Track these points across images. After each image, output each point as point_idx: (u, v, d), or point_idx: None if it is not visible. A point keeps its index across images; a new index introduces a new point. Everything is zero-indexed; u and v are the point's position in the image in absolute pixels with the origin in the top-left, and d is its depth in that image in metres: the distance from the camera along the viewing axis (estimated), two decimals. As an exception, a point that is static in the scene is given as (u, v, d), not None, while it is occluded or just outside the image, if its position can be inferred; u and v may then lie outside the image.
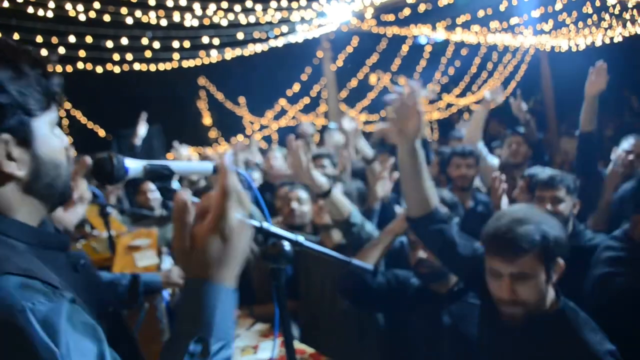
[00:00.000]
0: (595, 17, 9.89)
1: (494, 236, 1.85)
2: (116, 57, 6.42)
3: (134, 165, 1.26)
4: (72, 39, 5.91)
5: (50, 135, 1.09)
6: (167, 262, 3.24)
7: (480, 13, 9.27)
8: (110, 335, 1.13)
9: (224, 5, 6.26)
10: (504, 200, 2.81)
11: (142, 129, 5.36)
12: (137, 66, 6.83)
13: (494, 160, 4.31)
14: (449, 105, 14.23)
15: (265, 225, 1.44)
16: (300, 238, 1.46)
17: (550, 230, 1.81)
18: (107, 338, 1.08)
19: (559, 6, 8.88)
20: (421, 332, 2.45)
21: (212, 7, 6.17)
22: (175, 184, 1.44)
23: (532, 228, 1.79)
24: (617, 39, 10.62)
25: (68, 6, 5.48)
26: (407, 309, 2.54)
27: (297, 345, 2.56)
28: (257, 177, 4.79)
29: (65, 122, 10.51)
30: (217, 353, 0.94)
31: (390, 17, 9.18)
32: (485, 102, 4.30)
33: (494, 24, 10.01)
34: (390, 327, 2.71)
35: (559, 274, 1.83)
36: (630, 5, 9.27)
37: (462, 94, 13.74)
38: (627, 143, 3.38)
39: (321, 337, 2.80)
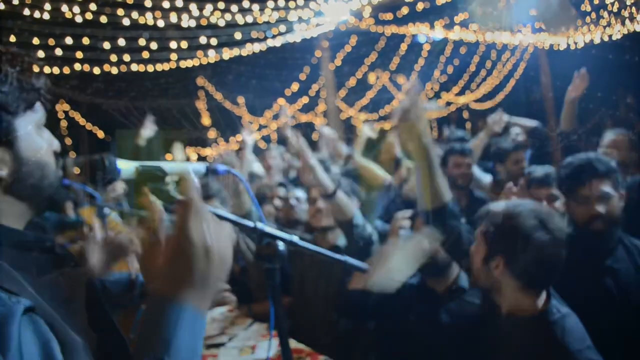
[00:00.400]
0: (593, 14, 9.87)
1: None
2: (113, 58, 6.41)
3: (126, 167, 1.25)
4: (69, 40, 5.90)
5: (35, 135, 1.07)
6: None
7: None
8: (100, 340, 1.11)
9: (221, 5, 6.25)
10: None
11: (147, 131, 5.38)
12: (134, 67, 6.83)
13: (486, 179, 4.31)
14: (448, 104, 14.22)
15: (260, 225, 1.44)
16: (295, 238, 1.46)
17: (501, 216, 1.85)
18: (97, 343, 1.07)
19: (557, 4, 8.88)
20: (419, 330, 2.45)
21: (209, 7, 6.16)
22: (172, 186, 1.44)
23: (490, 207, 1.92)
24: (616, 36, 10.60)
25: (64, 8, 5.47)
26: (404, 308, 2.54)
27: (295, 344, 2.56)
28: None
29: (64, 123, 10.50)
30: None
31: (389, 16, 9.17)
32: (488, 129, 4.37)
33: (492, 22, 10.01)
34: (388, 326, 2.71)
35: (498, 269, 1.83)
36: (628, 2, 9.26)
37: (460, 93, 13.73)
38: (606, 139, 3.44)
39: (316, 337, 2.79)
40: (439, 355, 2.39)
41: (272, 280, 1.42)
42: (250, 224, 1.44)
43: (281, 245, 1.43)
